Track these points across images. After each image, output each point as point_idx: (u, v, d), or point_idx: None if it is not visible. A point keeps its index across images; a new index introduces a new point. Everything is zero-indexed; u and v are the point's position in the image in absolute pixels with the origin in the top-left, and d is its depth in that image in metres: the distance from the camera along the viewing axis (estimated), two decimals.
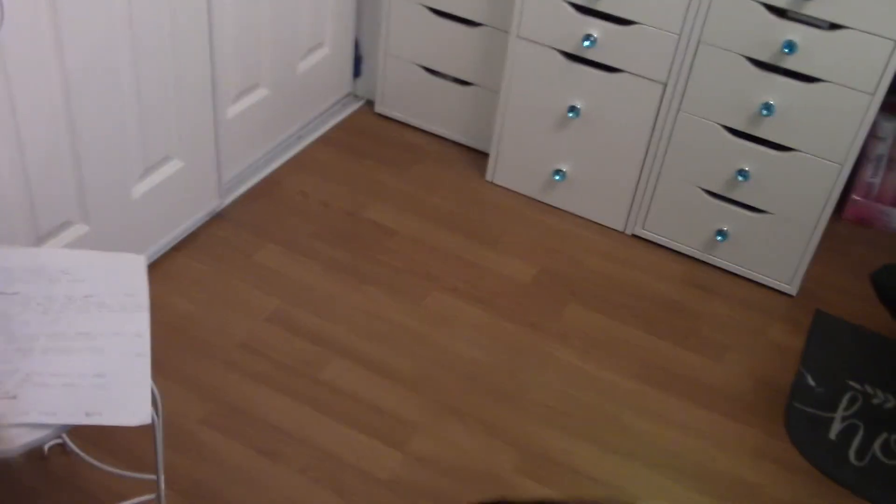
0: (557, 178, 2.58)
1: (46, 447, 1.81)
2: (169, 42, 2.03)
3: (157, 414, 1.44)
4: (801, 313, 2.43)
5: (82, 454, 1.80)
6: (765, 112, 2.25)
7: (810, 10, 2.12)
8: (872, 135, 2.75)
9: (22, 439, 1.24)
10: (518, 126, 2.59)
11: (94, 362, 1.33)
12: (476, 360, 2.16)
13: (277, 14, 2.45)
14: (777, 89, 2.23)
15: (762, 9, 2.17)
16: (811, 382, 2.23)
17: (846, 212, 2.81)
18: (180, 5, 2.02)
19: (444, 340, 2.19)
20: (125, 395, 1.30)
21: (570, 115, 2.48)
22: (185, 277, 2.25)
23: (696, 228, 2.50)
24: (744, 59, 2.24)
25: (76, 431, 1.82)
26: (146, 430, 1.50)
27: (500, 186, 2.71)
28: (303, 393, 2.02)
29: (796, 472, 2.02)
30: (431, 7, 2.65)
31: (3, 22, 1.56)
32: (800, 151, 2.29)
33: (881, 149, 2.77)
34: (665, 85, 2.35)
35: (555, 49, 2.43)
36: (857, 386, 2.24)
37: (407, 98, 2.84)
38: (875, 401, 2.20)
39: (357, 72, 2.94)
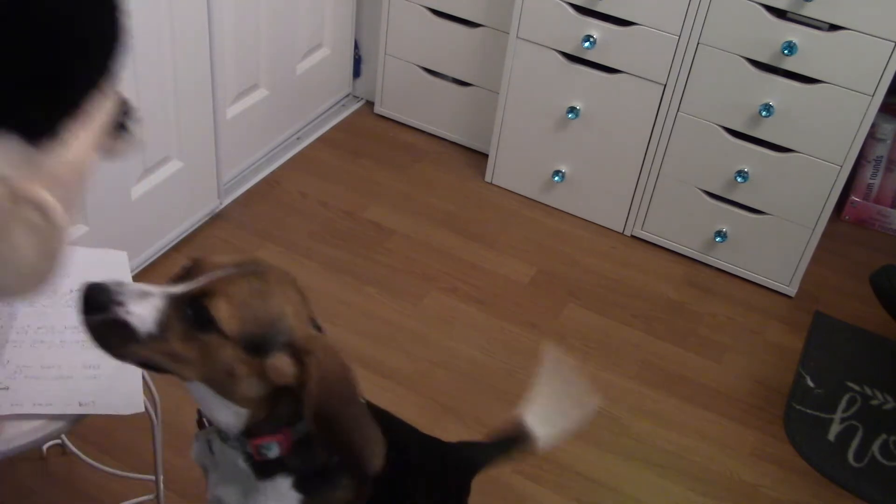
0: (557, 178, 2.58)
1: (45, 447, 1.81)
2: (168, 42, 2.03)
3: (155, 414, 1.44)
4: (800, 314, 2.43)
5: (81, 454, 1.80)
6: (764, 113, 2.25)
7: (810, 11, 2.13)
8: (871, 136, 2.75)
9: (22, 438, 1.23)
10: (517, 127, 2.59)
11: (84, 354, 1.33)
12: (474, 360, 2.16)
13: (277, 14, 2.45)
14: (776, 90, 2.23)
15: (762, 10, 2.17)
16: (810, 383, 2.22)
17: (845, 213, 2.81)
18: (180, 6, 2.02)
19: (442, 340, 2.19)
20: (118, 386, 1.30)
21: (570, 115, 2.48)
22: None
23: (695, 229, 2.50)
24: (743, 60, 2.24)
25: (75, 432, 1.82)
26: (145, 431, 1.50)
27: (499, 187, 2.71)
28: None
29: (795, 472, 2.02)
30: (431, 7, 2.65)
31: None
32: (799, 153, 2.29)
33: (880, 150, 2.78)
34: (664, 86, 2.35)
35: (554, 50, 2.43)
36: (856, 387, 2.23)
37: (406, 99, 2.84)
38: (874, 402, 2.20)
39: (357, 72, 2.95)
